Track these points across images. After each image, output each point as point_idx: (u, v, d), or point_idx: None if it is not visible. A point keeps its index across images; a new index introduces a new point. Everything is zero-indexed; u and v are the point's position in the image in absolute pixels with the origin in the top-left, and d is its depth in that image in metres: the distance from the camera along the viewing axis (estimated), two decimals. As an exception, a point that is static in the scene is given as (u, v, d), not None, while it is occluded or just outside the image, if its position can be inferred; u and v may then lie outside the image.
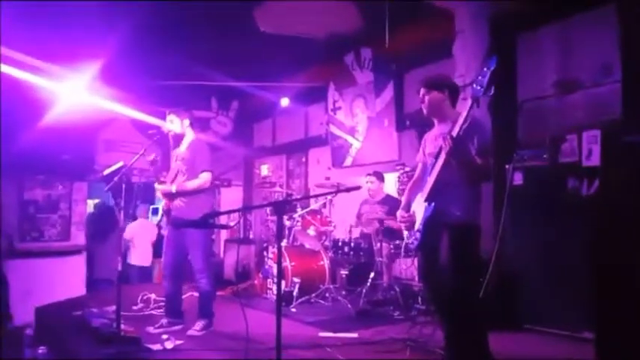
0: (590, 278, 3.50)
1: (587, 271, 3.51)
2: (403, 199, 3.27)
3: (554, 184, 3.96)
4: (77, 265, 8.01)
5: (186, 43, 6.02)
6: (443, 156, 2.76)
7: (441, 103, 2.99)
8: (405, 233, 3.15)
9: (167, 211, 4.13)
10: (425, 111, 3.05)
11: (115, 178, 3.90)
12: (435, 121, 3.09)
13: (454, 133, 2.70)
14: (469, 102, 2.71)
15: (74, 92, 6.40)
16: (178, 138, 4.21)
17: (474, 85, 2.69)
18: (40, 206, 7.89)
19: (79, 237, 8.20)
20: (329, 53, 6.68)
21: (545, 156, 4.08)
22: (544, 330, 3.89)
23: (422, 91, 3.02)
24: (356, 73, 6.75)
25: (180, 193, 4.05)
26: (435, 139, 3.01)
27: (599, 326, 3.27)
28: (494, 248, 3.78)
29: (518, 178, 4.19)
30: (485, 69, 2.68)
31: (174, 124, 4.17)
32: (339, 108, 7.13)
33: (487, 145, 2.84)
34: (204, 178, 4.06)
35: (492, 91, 2.68)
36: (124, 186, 3.85)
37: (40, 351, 3.90)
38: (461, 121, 2.70)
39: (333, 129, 7.21)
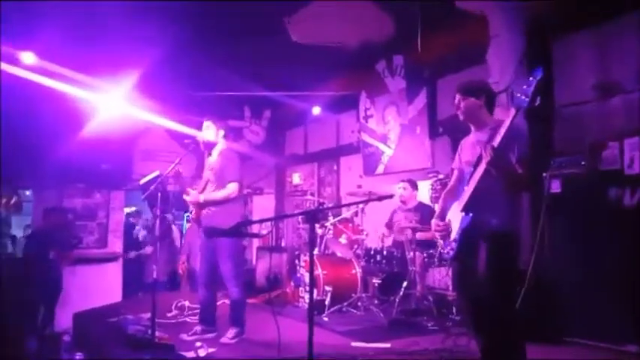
0: (633, 289, 3.37)
1: (630, 282, 3.38)
2: (438, 207, 3.19)
3: (595, 193, 3.84)
4: (114, 272, 8.20)
5: (219, 54, 6.12)
6: (483, 165, 2.67)
7: (478, 110, 2.91)
8: (440, 242, 3.09)
9: (197, 220, 4.16)
10: (461, 117, 2.98)
11: (152, 187, 3.97)
12: (472, 128, 3.00)
13: (495, 144, 2.61)
14: (512, 111, 2.60)
15: (113, 103, 6.58)
16: (211, 146, 4.23)
17: (519, 95, 2.57)
18: (79, 214, 8.15)
19: (116, 244, 8.40)
20: (360, 61, 6.66)
21: (583, 163, 3.96)
22: (584, 342, 3.76)
23: (457, 97, 2.94)
24: (388, 81, 6.71)
25: (208, 203, 4.09)
26: (472, 147, 2.92)
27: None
28: (532, 258, 3.68)
29: (555, 187, 4.08)
30: (531, 78, 2.57)
31: (210, 130, 4.20)
32: (371, 116, 7.11)
33: (527, 154, 2.74)
34: (231, 189, 4.05)
35: (538, 102, 2.60)
36: (159, 195, 3.92)
37: (77, 357, 4.00)
38: (503, 131, 2.60)
39: (365, 137, 7.18)
